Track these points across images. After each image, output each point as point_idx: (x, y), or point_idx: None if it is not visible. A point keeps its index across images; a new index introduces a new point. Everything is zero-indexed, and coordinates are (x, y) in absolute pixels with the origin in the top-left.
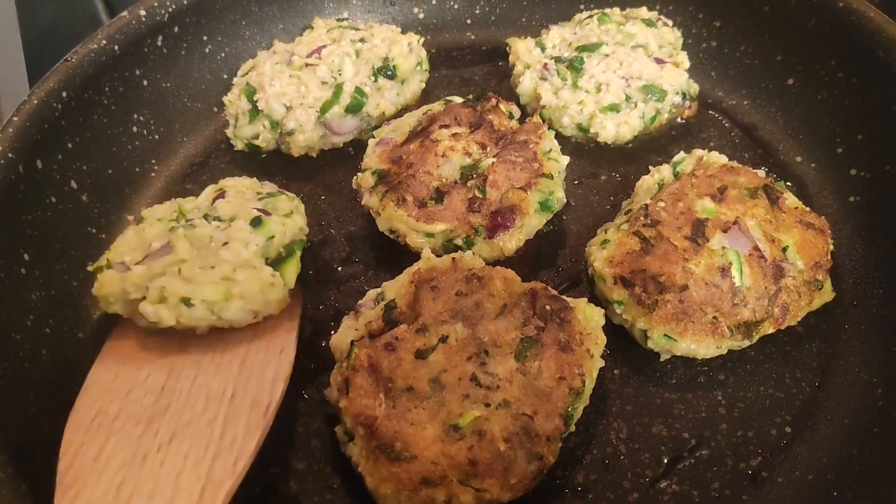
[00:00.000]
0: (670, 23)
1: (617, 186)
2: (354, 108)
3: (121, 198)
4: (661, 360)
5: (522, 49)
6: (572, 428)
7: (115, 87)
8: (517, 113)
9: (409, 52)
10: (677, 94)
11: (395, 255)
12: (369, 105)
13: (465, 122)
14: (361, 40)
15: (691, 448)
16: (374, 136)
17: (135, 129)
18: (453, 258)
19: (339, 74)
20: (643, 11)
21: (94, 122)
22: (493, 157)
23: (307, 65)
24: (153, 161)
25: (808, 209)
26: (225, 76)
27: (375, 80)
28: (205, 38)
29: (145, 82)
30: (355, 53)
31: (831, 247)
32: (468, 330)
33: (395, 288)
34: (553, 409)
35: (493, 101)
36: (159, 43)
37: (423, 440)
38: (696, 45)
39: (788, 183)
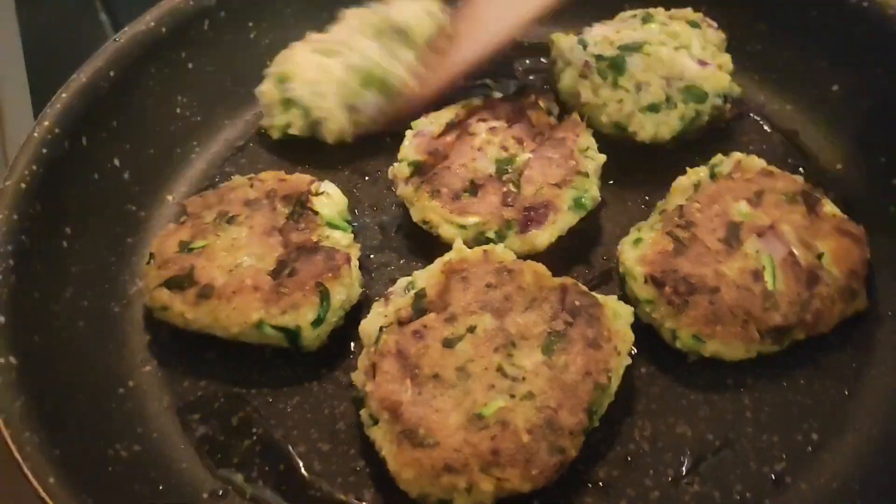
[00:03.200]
0: (715, 24)
1: (653, 186)
2: (380, 87)
3: (161, 177)
4: (689, 360)
5: (564, 45)
6: (596, 423)
7: (160, 69)
8: (556, 110)
9: (425, 17)
10: (718, 96)
11: (427, 245)
12: (392, 79)
13: (503, 116)
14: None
15: (715, 449)
16: (411, 128)
17: (178, 110)
18: (485, 250)
19: (365, 59)
20: (688, 12)
21: (138, 101)
22: (530, 152)
23: (333, 52)
24: (195, 143)
25: (846, 217)
26: (268, 63)
27: (394, 53)
28: (250, 24)
29: (190, 65)
30: (377, 34)
31: (868, 256)
32: (496, 321)
33: (426, 277)
34: (578, 404)
35: (532, 97)
36: (206, 27)
37: (447, 427)
38: (740, 48)
39: (828, 190)
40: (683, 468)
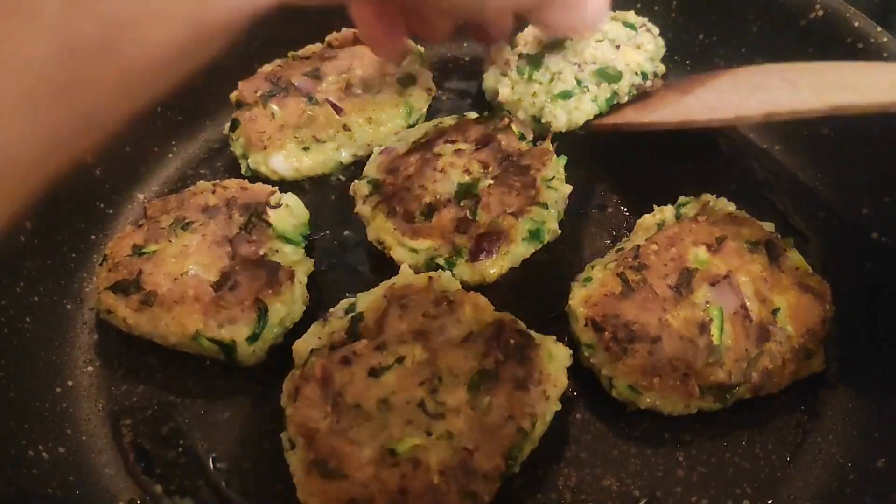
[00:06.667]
0: (655, 31)
1: (622, 221)
2: None
3: (135, 176)
4: (629, 410)
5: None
6: (516, 469)
7: None
8: (529, 135)
9: None
10: (636, 73)
11: (383, 265)
12: None
13: (472, 138)
14: None
15: None
16: (380, 145)
17: (158, 108)
18: (430, 277)
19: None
20: (629, 14)
21: None
22: (492, 178)
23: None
24: (172, 142)
25: (810, 271)
26: (256, 65)
27: None
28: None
29: None
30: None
31: (830, 314)
32: (427, 354)
33: (368, 300)
34: (496, 448)
35: (506, 119)
36: None
37: (358, 461)
38: None
39: (806, 239)
40: None
